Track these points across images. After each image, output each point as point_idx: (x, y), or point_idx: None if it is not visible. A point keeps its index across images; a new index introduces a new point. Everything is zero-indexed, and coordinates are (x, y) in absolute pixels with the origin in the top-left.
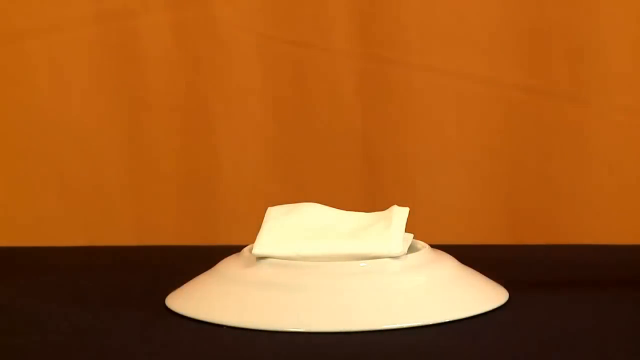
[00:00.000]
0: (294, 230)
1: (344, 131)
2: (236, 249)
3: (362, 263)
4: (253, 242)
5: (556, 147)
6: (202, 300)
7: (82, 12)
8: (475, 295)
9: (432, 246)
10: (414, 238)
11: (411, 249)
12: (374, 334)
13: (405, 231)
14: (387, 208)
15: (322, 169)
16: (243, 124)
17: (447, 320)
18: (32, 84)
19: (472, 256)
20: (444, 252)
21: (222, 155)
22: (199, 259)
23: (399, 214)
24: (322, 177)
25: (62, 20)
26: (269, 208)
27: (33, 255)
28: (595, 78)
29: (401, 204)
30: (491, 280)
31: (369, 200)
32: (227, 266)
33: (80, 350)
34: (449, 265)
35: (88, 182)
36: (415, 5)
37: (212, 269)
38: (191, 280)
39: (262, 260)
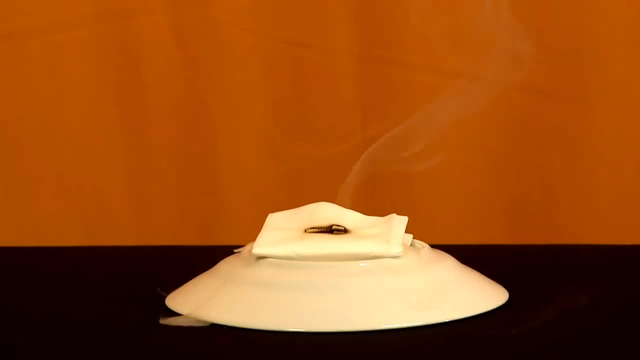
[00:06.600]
0: (294, 230)
1: (344, 131)
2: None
3: (362, 263)
4: (253, 242)
5: (556, 147)
6: (202, 300)
7: (81, 12)
8: (475, 295)
9: (432, 246)
10: (413, 238)
11: (411, 249)
12: (374, 334)
13: (405, 232)
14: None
15: (322, 168)
16: (243, 124)
17: (447, 320)
18: (32, 84)
19: (472, 256)
20: (444, 252)
21: (222, 155)
22: (199, 259)
23: (399, 220)
24: (322, 177)
25: (62, 20)
26: (270, 214)
27: (33, 255)
28: (595, 78)
29: (401, 203)
30: (491, 280)
31: (368, 200)
32: (227, 266)
33: (81, 350)
34: (449, 265)
35: (87, 182)
36: (415, 5)
37: (212, 269)
38: (191, 280)
39: (262, 260)
